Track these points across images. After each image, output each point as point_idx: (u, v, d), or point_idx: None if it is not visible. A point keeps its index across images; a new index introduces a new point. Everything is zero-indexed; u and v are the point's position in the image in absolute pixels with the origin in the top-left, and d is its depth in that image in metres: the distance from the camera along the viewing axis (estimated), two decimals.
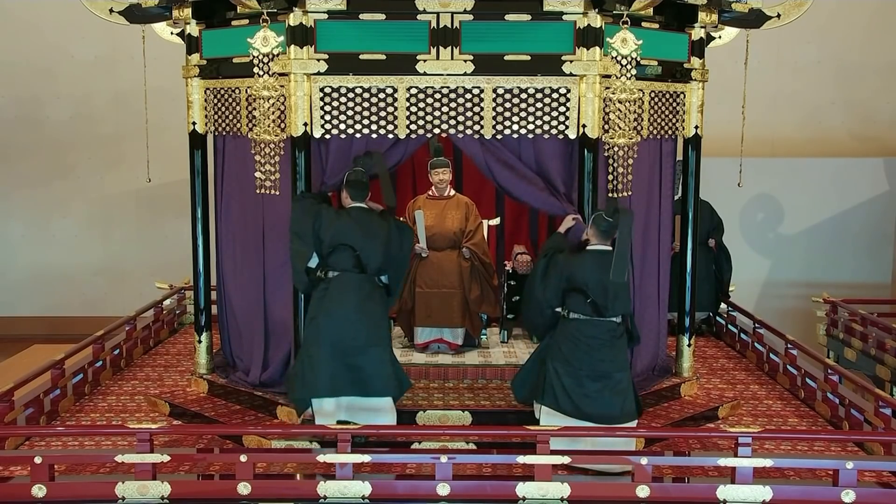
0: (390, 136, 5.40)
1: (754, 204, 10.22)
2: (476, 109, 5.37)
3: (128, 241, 10.77)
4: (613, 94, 5.32)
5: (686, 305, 6.36)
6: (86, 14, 6.03)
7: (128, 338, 7.21)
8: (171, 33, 6.27)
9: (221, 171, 6.25)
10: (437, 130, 5.44)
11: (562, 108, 5.37)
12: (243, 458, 4.43)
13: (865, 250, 10.31)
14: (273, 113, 5.37)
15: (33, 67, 10.50)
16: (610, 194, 5.50)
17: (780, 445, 5.32)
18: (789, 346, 6.75)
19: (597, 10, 5.29)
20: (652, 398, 5.93)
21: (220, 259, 6.35)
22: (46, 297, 10.78)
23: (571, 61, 5.33)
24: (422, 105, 5.36)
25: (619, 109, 5.34)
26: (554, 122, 5.38)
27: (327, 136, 5.41)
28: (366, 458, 4.51)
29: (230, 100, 5.84)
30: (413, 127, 5.38)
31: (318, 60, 5.32)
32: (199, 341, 6.31)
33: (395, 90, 5.35)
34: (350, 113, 5.36)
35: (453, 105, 5.37)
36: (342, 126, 5.38)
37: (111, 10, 5.96)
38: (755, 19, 6.04)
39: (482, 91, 5.35)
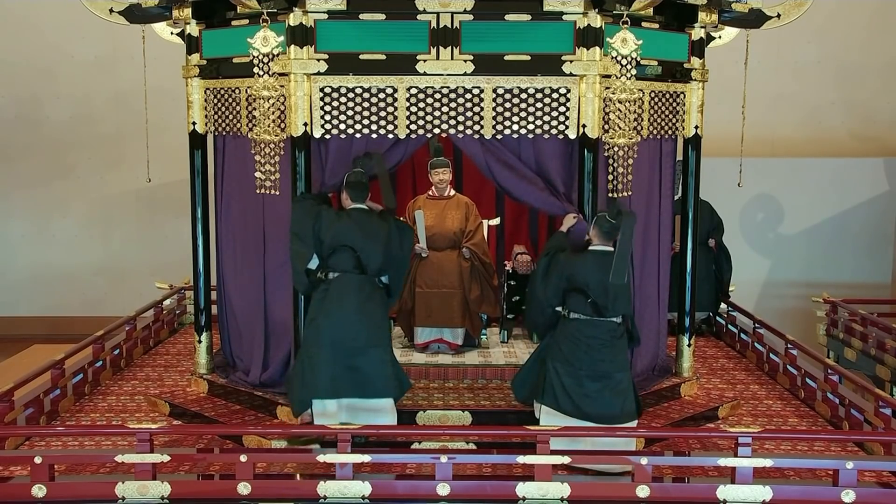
0: (390, 136, 5.40)
1: (754, 204, 10.23)
2: (476, 109, 5.37)
3: (128, 241, 10.78)
4: (613, 94, 5.32)
5: (686, 305, 6.36)
6: (86, 14, 6.03)
7: (128, 338, 7.21)
8: (171, 33, 6.27)
9: (221, 171, 6.25)
10: (437, 130, 5.44)
11: (562, 108, 5.37)
12: (243, 458, 4.44)
13: (865, 250, 10.31)
14: (273, 113, 5.37)
15: (33, 67, 10.50)
16: (610, 194, 5.50)
17: (780, 445, 5.32)
18: (789, 346, 6.76)
19: (597, 10, 5.29)
20: (652, 398, 5.93)
21: (220, 259, 6.36)
22: (46, 297, 10.78)
23: (571, 61, 5.33)
24: (422, 105, 5.36)
25: (619, 109, 5.34)
26: (554, 122, 5.38)
27: (327, 136, 5.40)
28: (366, 458, 4.51)
29: (230, 100, 5.84)
30: (413, 127, 5.38)
31: (318, 60, 5.32)
32: (199, 341, 6.31)
33: (395, 90, 5.35)
34: (350, 113, 5.36)
35: (453, 105, 5.37)
36: (342, 126, 5.38)
37: (111, 10, 5.96)
38: (755, 19, 6.04)
39: (482, 91, 5.35)
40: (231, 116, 5.86)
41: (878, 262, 10.31)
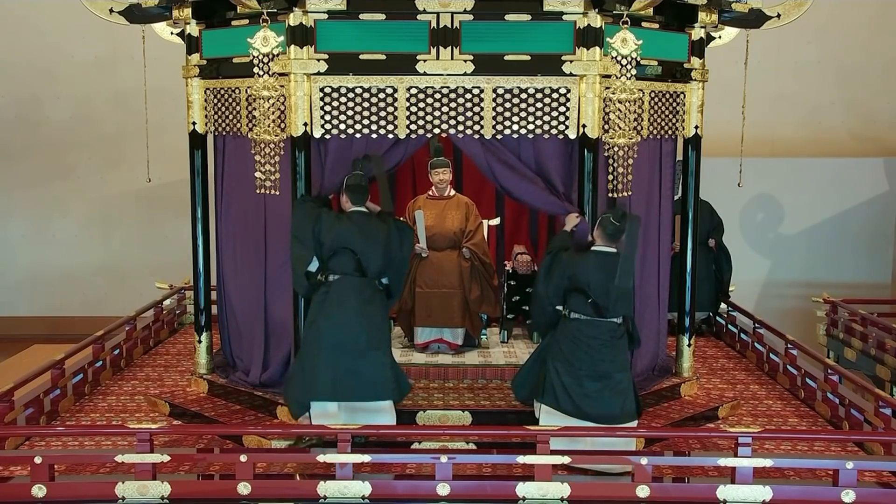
0: (390, 136, 5.40)
1: (754, 204, 10.23)
2: (476, 109, 5.37)
3: (128, 241, 10.78)
4: (613, 94, 5.32)
5: (686, 305, 6.36)
6: (86, 14, 6.03)
7: (128, 338, 7.21)
8: (171, 33, 6.27)
9: (221, 171, 6.25)
10: (437, 130, 5.44)
11: (562, 108, 5.37)
12: (243, 458, 4.44)
13: (865, 250, 10.31)
14: (273, 113, 5.37)
15: (33, 67, 10.50)
16: (610, 194, 5.50)
17: (780, 445, 5.32)
18: (789, 346, 6.76)
19: (597, 10, 5.29)
20: (652, 398, 5.93)
21: (220, 259, 6.36)
22: (46, 297, 10.78)
23: (571, 61, 5.33)
24: (422, 105, 5.36)
25: (619, 109, 5.33)
26: (554, 122, 5.38)
27: (327, 136, 5.40)
28: (366, 458, 4.51)
29: (230, 100, 5.84)
30: (413, 127, 5.38)
31: (318, 60, 5.32)
32: (199, 341, 6.31)
33: (395, 90, 5.35)
34: (350, 113, 5.36)
35: (453, 105, 5.36)
36: (342, 126, 5.38)
37: (111, 10, 5.96)
38: (755, 19, 6.04)
39: (482, 91, 5.35)
40: (231, 116, 5.86)
41: (878, 262, 10.31)
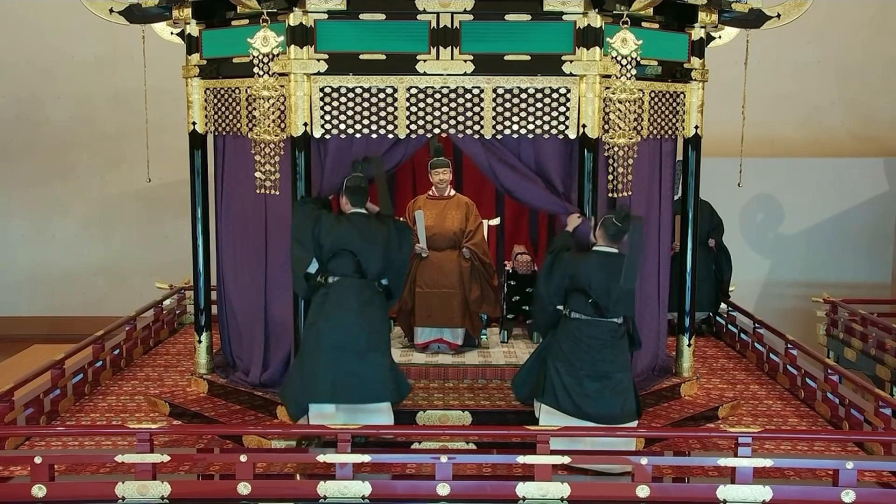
0: (390, 136, 5.40)
1: (754, 204, 10.22)
2: (476, 109, 5.37)
3: (128, 241, 10.78)
4: (613, 94, 5.32)
5: (686, 305, 6.36)
6: (86, 14, 6.03)
7: (128, 338, 7.21)
8: (171, 33, 6.27)
9: (221, 171, 6.25)
10: (437, 130, 5.44)
11: (562, 108, 5.37)
12: (243, 458, 4.44)
13: (865, 250, 10.31)
14: (273, 113, 5.37)
15: (33, 67, 10.50)
16: (610, 194, 5.50)
17: (780, 445, 5.32)
18: (789, 346, 6.76)
19: (597, 10, 5.29)
20: (652, 398, 5.93)
21: (220, 259, 6.36)
22: (46, 297, 10.78)
23: (571, 61, 5.33)
24: (422, 105, 5.36)
25: (619, 109, 5.33)
26: (554, 122, 5.38)
27: (327, 136, 5.40)
28: (366, 458, 4.51)
29: (230, 100, 5.84)
30: (413, 127, 5.37)
31: (318, 60, 5.32)
32: (199, 341, 6.31)
33: (395, 90, 5.35)
34: (350, 113, 5.36)
35: (453, 105, 5.36)
36: (342, 126, 5.37)
37: (111, 10, 5.96)
38: (755, 19, 6.04)
39: (482, 91, 5.35)
40: (231, 116, 5.86)
41: (878, 262, 10.31)
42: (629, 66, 5.30)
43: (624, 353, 5.11)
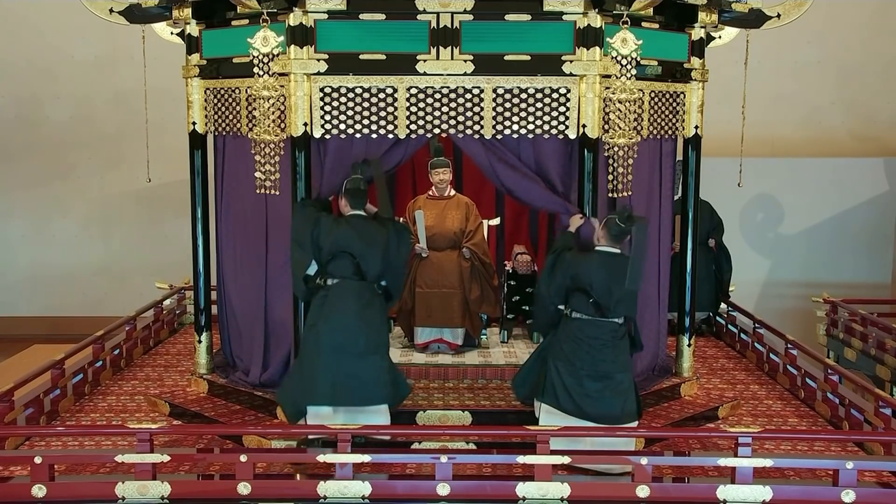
0: (390, 136, 5.40)
1: (754, 204, 10.22)
2: (476, 109, 5.36)
3: (128, 241, 10.78)
4: (613, 94, 5.32)
5: (686, 305, 6.36)
6: (86, 14, 6.03)
7: (128, 338, 7.21)
8: (171, 33, 6.27)
9: (221, 171, 6.25)
10: (437, 130, 5.43)
11: (562, 108, 5.37)
12: (243, 458, 4.44)
13: (865, 250, 10.31)
14: (273, 113, 5.37)
15: (33, 67, 10.51)
16: (610, 194, 5.50)
17: (780, 445, 5.32)
18: (789, 346, 6.75)
19: (597, 10, 5.29)
20: (652, 398, 5.93)
21: (220, 259, 6.36)
22: (46, 297, 10.78)
23: (571, 61, 5.33)
24: (422, 105, 5.36)
25: (619, 109, 5.33)
26: (554, 122, 5.38)
27: (327, 137, 5.40)
28: (366, 458, 4.51)
29: (230, 100, 5.84)
30: (413, 127, 5.37)
31: (318, 60, 5.32)
32: (199, 341, 6.31)
33: (395, 90, 5.35)
34: (350, 113, 5.36)
35: (453, 105, 5.36)
36: (342, 126, 5.37)
37: (111, 10, 5.96)
38: (755, 19, 6.04)
39: (482, 91, 5.35)
40: (231, 116, 5.86)
41: (878, 262, 10.31)
42: (629, 66, 5.30)
43: (625, 353, 5.10)
